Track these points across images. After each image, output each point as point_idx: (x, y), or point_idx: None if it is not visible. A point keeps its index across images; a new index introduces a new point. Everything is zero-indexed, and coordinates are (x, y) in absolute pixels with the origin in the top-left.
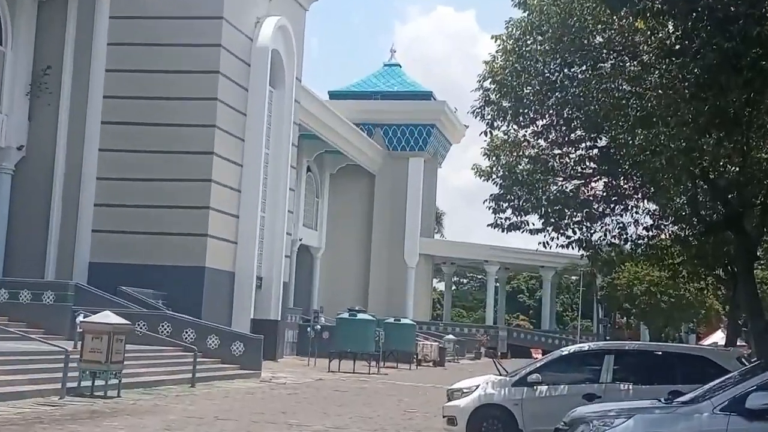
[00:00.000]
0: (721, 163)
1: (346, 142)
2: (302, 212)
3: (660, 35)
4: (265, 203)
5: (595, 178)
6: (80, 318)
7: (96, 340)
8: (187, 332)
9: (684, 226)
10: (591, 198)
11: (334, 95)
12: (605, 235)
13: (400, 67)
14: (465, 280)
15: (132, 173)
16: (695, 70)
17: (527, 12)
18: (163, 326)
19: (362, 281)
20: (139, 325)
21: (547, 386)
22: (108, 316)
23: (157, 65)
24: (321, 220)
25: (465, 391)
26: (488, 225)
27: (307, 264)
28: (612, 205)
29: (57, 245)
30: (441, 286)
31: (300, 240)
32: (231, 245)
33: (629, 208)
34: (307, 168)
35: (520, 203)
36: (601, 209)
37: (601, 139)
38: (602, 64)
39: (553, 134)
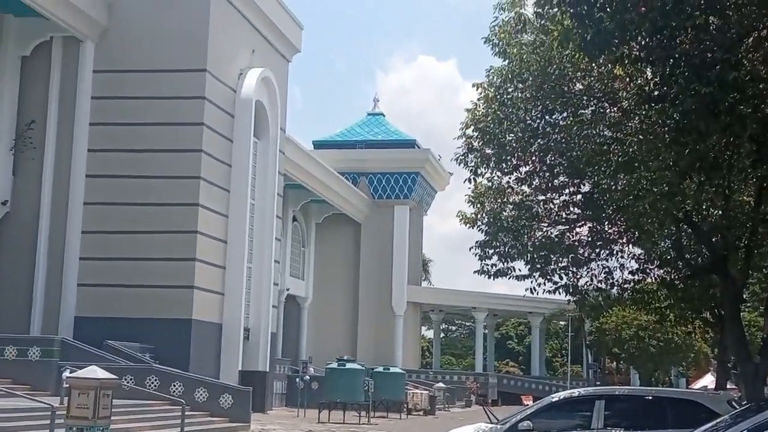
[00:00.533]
0: (704, 207)
1: (332, 191)
2: (289, 262)
3: (639, 81)
4: (251, 254)
5: (580, 224)
6: (66, 374)
7: (83, 396)
8: (174, 385)
9: (669, 269)
10: (576, 243)
11: (318, 145)
12: (592, 279)
13: (384, 116)
14: (454, 328)
15: (117, 226)
16: (674, 116)
17: (507, 60)
18: (150, 380)
19: (350, 330)
20: (126, 379)
21: None
22: (94, 371)
23: (141, 118)
24: (308, 270)
25: None
26: (475, 272)
27: (294, 314)
28: (597, 250)
29: (42, 300)
30: (430, 334)
31: (287, 290)
32: (218, 297)
33: (614, 252)
34: (293, 218)
35: (506, 249)
36: (586, 254)
37: (584, 184)
38: (583, 111)
39: (537, 180)
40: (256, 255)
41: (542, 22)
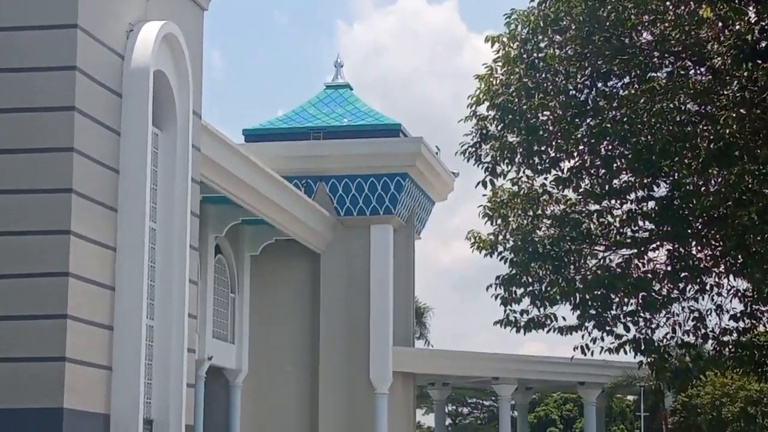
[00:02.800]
0: None
1: (274, 206)
2: (211, 316)
3: (737, 28)
4: (152, 305)
5: (654, 245)
6: None
7: None
8: None
9: None
10: (649, 275)
11: (252, 135)
12: (674, 330)
13: (350, 88)
14: (466, 410)
15: None
16: None
17: (538, 0)
18: None
19: (308, 417)
20: None
21: None
22: None
23: None
24: (240, 328)
25: None
26: (496, 322)
27: (221, 394)
28: (681, 285)
29: None
30: (430, 420)
31: (209, 359)
32: (103, 373)
33: (707, 287)
34: (216, 248)
35: (543, 288)
36: (665, 291)
37: (658, 185)
38: (654, 74)
39: (587, 181)
40: (159, 307)
41: None
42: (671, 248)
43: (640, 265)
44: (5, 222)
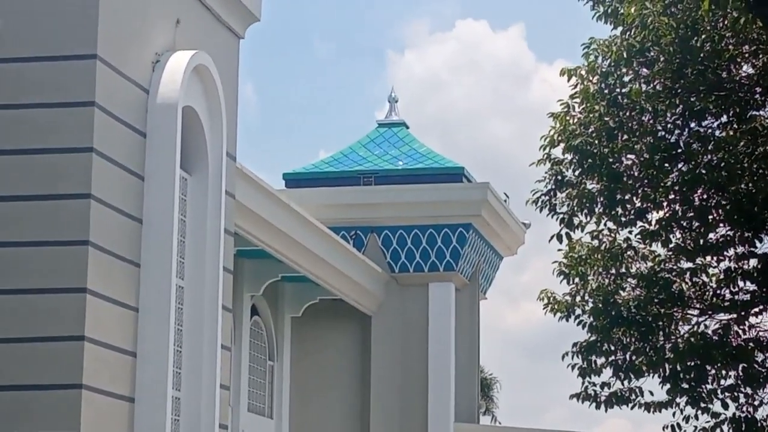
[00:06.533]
0: None
1: (319, 261)
2: (246, 387)
3: None
4: (179, 375)
5: (756, 309)
6: None
7: None
8: None
9: None
10: (751, 344)
11: (293, 180)
12: None
13: (406, 127)
14: None
15: None
16: None
17: (621, 27)
18: None
19: None
20: None
21: None
22: None
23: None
24: (279, 400)
25: None
26: (573, 396)
27: None
28: None
29: None
30: None
31: None
32: None
33: None
34: (252, 309)
35: (627, 357)
36: None
37: (761, 240)
38: (755, 113)
39: (678, 235)
40: (187, 377)
41: None
42: None
43: (740, 332)
44: (13, 280)
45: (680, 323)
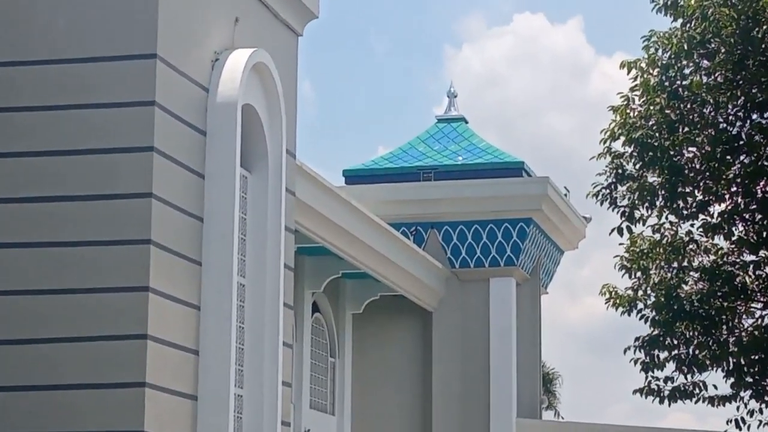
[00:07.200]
0: None
1: (379, 257)
2: (308, 384)
3: None
4: (241, 372)
5: None
6: None
7: None
8: None
9: None
10: None
11: (353, 177)
12: None
13: (465, 122)
14: None
15: (18, 331)
16: None
17: (681, 19)
18: None
19: None
20: None
21: None
22: None
23: (47, 141)
24: (341, 396)
25: None
26: (636, 391)
27: None
28: None
29: None
30: None
31: None
32: None
33: None
34: (313, 306)
35: (690, 351)
36: None
37: None
38: None
39: (741, 228)
40: (249, 374)
41: None
42: None
43: None
44: (77, 281)
45: (744, 316)
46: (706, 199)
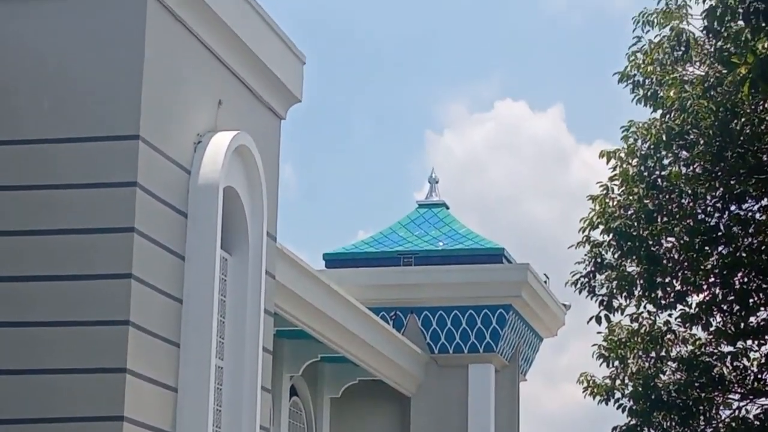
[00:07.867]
0: None
1: (358, 341)
2: None
3: None
4: None
5: None
6: None
7: None
8: None
9: None
10: None
11: (333, 261)
12: None
13: (446, 207)
14: None
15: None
16: None
17: (660, 110)
18: None
19: None
20: None
21: None
22: None
23: (29, 221)
24: None
25: None
26: None
27: None
28: None
29: None
30: None
31: None
32: None
33: None
34: (291, 389)
35: None
36: None
37: None
38: None
39: (718, 318)
40: None
41: (719, 43)
42: None
43: None
44: (54, 359)
45: (721, 408)
46: (684, 289)
